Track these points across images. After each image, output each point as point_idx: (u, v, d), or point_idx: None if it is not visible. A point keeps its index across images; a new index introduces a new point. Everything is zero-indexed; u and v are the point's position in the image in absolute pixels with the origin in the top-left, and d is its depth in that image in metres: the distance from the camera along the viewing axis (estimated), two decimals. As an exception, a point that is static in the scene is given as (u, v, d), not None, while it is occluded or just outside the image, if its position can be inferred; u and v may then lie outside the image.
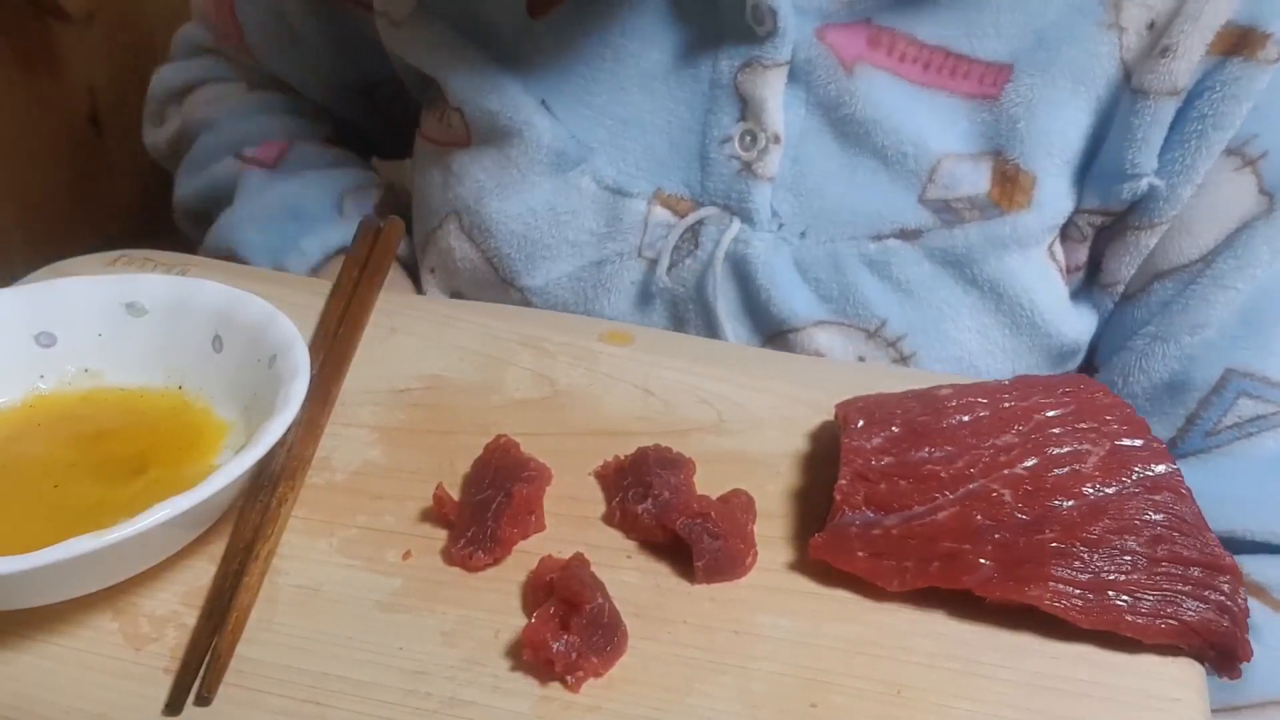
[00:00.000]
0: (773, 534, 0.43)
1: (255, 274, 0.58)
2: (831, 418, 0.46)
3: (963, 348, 0.56)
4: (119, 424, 0.47)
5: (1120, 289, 0.58)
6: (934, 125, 0.55)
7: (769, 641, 0.39)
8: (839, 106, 0.55)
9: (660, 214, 0.58)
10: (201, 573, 0.42)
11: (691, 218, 0.57)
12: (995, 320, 0.56)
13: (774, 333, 0.56)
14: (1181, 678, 0.37)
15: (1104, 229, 0.57)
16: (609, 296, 0.59)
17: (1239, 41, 0.52)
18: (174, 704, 0.37)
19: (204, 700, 0.37)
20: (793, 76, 0.56)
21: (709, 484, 0.44)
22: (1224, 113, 0.52)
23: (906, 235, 0.55)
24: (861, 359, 0.56)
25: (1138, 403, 0.57)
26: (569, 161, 0.58)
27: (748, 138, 0.56)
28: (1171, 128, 0.53)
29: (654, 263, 0.58)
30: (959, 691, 0.37)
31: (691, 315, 0.58)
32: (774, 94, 0.55)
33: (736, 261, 0.57)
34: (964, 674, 0.37)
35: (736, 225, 0.56)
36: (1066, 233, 0.57)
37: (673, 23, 0.58)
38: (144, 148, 0.79)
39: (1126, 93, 0.53)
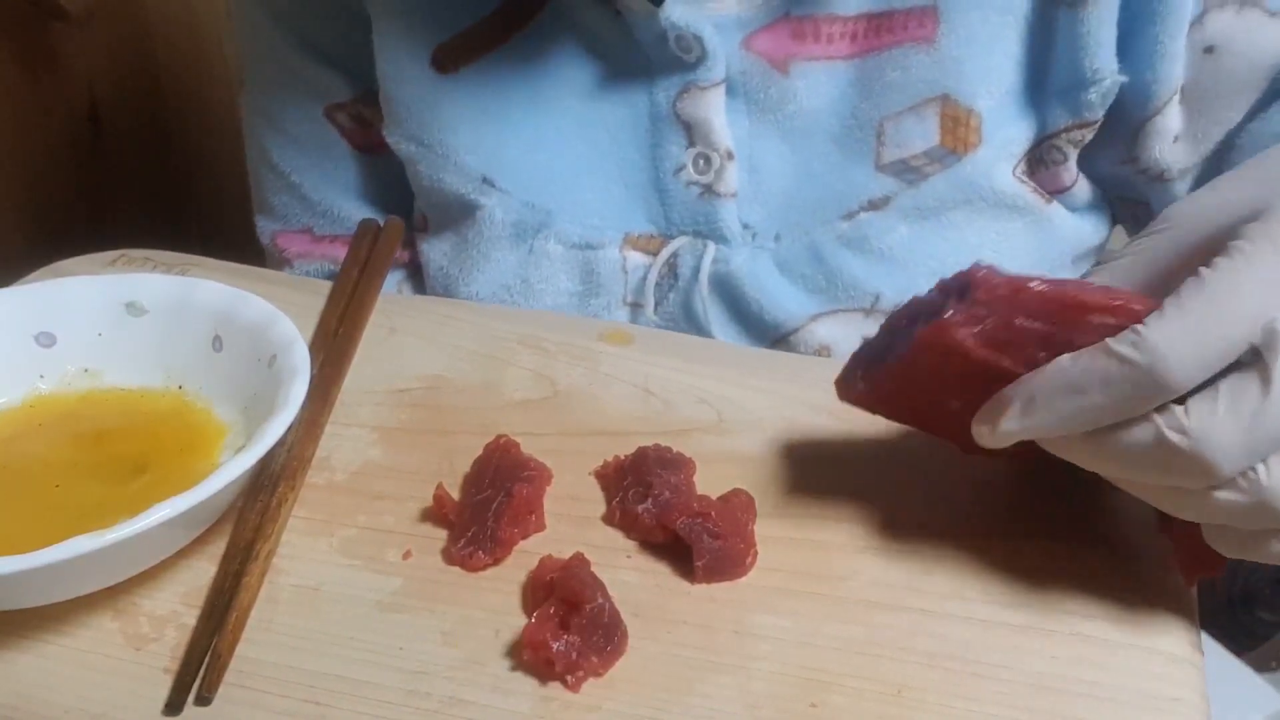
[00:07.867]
0: (773, 534, 0.43)
1: (255, 274, 0.58)
2: (832, 417, 0.46)
3: None
4: (119, 424, 0.47)
5: (1176, 171, 0.57)
6: (873, 89, 0.55)
7: (769, 641, 0.39)
8: (781, 107, 0.56)
9: (635, 257, 0.57)
10: (202, 572, 0.42)
11: (665, 253, 0.57)
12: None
13: (774, 339, 0.56)
14: (1182, 678, 0.37)
15: (1091, 144, 0.56)
16: None
17: None
18: (174, 704, 0.37)
19: (204, 700, 0.37)
20: (730, 91, 0.56)
21: (709, 484, 0.44)
22: None
23: (875, 205, 0.55)
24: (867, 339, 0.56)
25: None
26: (529, 229, 0.58)
27: (701, 161, 0.56)
28: (1121, 20, 0.53)
29: (639, 306, 0.58)
30: (959, 691, 0.37)
31: None
32: (717, 112, 0.56)
33: (720, 281, 0.57)
34: (964, 674, 0.37)
35: (712, 248, 0.56)
36: (1044, 160, 0.57)
37: (593, 63, 0.57)
38: (143, 147, 0.79)
39: (1061, 8, 0.53)
